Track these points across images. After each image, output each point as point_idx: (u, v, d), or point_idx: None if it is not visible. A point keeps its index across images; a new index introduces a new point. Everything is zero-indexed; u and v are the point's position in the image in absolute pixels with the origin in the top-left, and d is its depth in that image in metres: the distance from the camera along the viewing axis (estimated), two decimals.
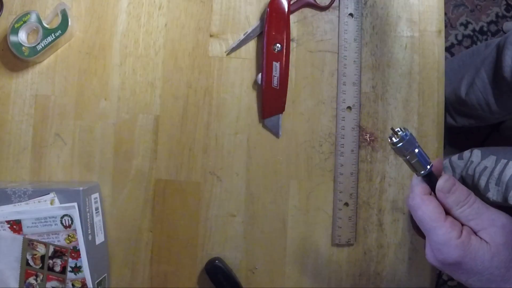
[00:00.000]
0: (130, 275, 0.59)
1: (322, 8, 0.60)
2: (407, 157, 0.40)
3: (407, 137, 0.39)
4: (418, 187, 0.40)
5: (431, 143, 0.60)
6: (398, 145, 0.39)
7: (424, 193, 0.40)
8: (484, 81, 0.82)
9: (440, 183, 0.40)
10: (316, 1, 0.60)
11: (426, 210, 0.39)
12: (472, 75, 0.85)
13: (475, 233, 0.39)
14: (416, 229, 0.43)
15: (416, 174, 0.40)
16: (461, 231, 0.39)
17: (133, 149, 0.59)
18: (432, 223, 0.39)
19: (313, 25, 0.60)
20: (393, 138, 0.39)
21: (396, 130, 0.39)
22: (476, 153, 0.83)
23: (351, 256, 0.59)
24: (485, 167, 0.78)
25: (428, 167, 0.40)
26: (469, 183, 0.82)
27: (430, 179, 0.40)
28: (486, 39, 1.42)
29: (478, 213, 0.39)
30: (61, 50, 0.59)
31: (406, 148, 0.39)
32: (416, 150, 0.39)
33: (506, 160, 0.75)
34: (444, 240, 0.39)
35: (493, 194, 0.74)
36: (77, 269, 0.52)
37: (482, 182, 0.77)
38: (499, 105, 0.83)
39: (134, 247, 0.59)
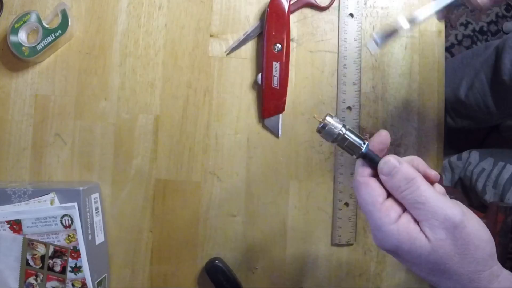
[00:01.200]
0: (130, 275, 0.59)
1: (322, 8, 0.60)
2: (338, 142, 0.39)
3: (330, 122, 0.38)
4: (359, 169, 0.39)
5: (431, 143, 0.60)
6: (322, 132, 0.38)
7: (363, 175, 0.39)
8: (483, 83, 0.82)
9: (380, 165, 0.38)
10: (316, 1, 0.60)
11: (362, 193, 0.38)
12: (471, 77, 0.85)
13: (418, 223, 0.37)
14: None
15: (354, 156, 0.39)
16: (399, 217, 0.37)
17: (133, 149, 0.59)
18: (368, 207, 0.37)
19: (313, 25, 0.60)
20: (318, 126, 0.39)
21: (323, 116, 0.39)
22: (474, 154, 0.83)
23: (351, 256, 0.59)
24: (483, 169, 0.78)
25: (362, 147, 0.38)
26: (467, 184, 0.82)
27: (372, 160, 0.39)
28: (486, 39, 1.43)
29: (420, 202, 0.36)
30: (61, 50, 0.59)
31: (331, 133, 0.38)
32: (343, 132, 0.38)
33: (503, 163, 0.75)
34: (378, 225, 0.37)
35: (490, 196, 0.74)
36: (77, 269, 0.52)
37: (480, 185, 0.77)
38: (498, 108, 0.83)
39: (134, 247, 0.59)
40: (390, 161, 0.38)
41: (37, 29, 0.56)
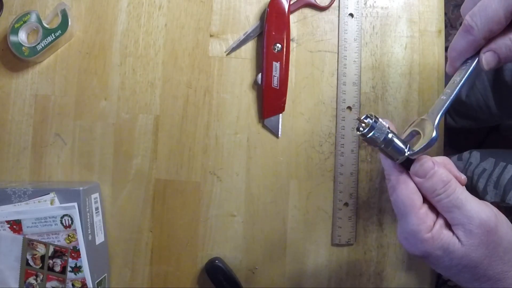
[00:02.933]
0: (130, 275, 0.59)
1: (322, 8, 0.60)
2: (382, 146, 0.36)
3: (377, 124, 0.36)
4: (394, 168, 0.38)
5: None
6: (368, 136, 0.36)
7: (400, 173, 0.37)
8: (484, 83, 0.82)
9: (415, 167, 0.37)
10: (316, 1, 0.60)
11: (401, 194, 0.37)
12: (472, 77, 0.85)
13: (451, 225, 0.36)
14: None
15: (394, 161, 0.38)
16: (434, 223, 0.36)
17: (133, 149, 0.59)
18: (406, 209, 0.37)
19: (313, 25, 0.60)
20: (361, 128, 0.36)
21: (362, 118, 0.36)
22: (475, 154, 0.83)
23: (351, 256, 0.59)
24: (484, 170, 0.78)
25: (406, 153, 0.37)
26: (468, 184, 0.82)
27: (408, 161, 0.38)
28: None
29: (456, 206, 0.36)
30: (61, 50, 0.59)
31: (378, 136, 0.36)
32: (390, 136, 0.36)
33: (504, 163, 0.75)
34: (413, 231, 0.36)
35: (491, 197, 0.74)
36: (77, 269, 0.52)
37: (481, 185, 0.77)
38: (499, 108, 0.83)
39: (134, 247, 0.59)
40: (426, 162, 0.37)
41: (37, 29, 0.56)
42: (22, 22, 0.56)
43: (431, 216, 0.37)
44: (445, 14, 0.61)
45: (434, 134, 0.36)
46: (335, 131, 0.59)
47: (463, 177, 0.40)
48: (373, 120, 0.36)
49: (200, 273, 0.59)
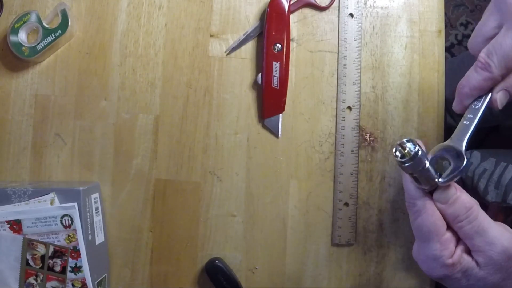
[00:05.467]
0: (130, 275, 0.59)
1: (322, 8, 0.60)
2: (416, 174, 0.36)
3: (419, 154, 0.34)
4: (417, 191, 0.37)
5: (431, 143, 0.60)
6: (407, 164, 0.34)
7: (426, 199, 0.37)
8: None
9: (438, 193, 0.37)
10: (316, 1, 0.60)
11: (426, 220, 0.37)
12: None
13: (470, 250, 0.37)
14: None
15: (423, 187, 0.37)
16: (455, 250, 0.37)
17: (133, 149, 0.59)
18: (429, 235, 0.37)
19: (313, 25, 0.60)
20: (398, 153, 0.35)
21: (404, 144, 0.34)
22: (476, 154, 0.83)
23: (351, 256, 0.59)
24: (485, 170, 0.78)
25: (438, 181, 0.36)
26: (469, 184, 0.82)
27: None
28: None
29: (478, 233, 0.36)
30: (61, 50, 0.59)
31: (416, 166, 0.35)
32: (427, 165, 0.35)
33: (505, 163, 0.74)
34: (435, 256, 0.37)
35: (492, 197, 0.74)
36: (77, 269, 0.52)
37: (481, 185, 0.77)
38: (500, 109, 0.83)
39: (134, 247, 0.59)
40: (449, 189, 0.37)
41: (37, 29, 0.56)
42: (22, 22, 0.56)
43: (453, 241, 0.37)
44: (445, 14, 0.61)
45: (465, 161, 0.36)
46: (335, 131, 0.59)
47: None
48: (416, 149, 0.34)
49: (200, 273, 0.59)
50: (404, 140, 0.35)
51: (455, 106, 0.41)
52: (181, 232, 0.59)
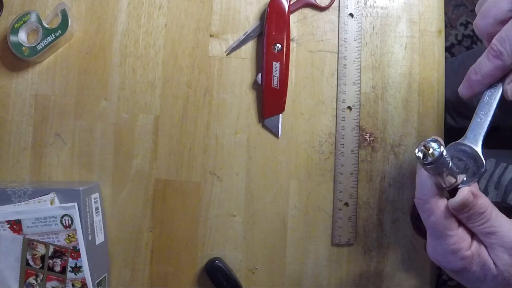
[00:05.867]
0: (130, 275, 0.59)
1: (322, 8, 0.60)
2: (438, 175, 0.35)
3: (443, 155, 0.34)
4: (431, 189, 0.37)
5: None
6: (432, 165, 0.34)
7: (438, 197, 0.37)
8: None
9: (456, 203, 0.36)
10: (316, 1, 0.60)
11: (439, 217, 0.37)
12: None
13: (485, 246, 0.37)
14: (417, 230, 0.42)
15: (441, 186, 0.37)
16: (471, 242, 0.37)
17: (133, 149, 0.59)
18: (444, 231, 0.37)
19: (313, 25, 0.60)
20: (420, 153, 0.34)
21: (427, 144, 0.34)
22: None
23: (351, 256, 0.59)
24: (485, 170, 0.78)
25: (459, 183, 0.36)
26: None
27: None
28: None
29: (490, 232, 0.37)
30: (61, 50, 0.59)
31: (440, 167, 0.34)
32: (450, 165, 0.35)
33: (505, 164, 0.74)
34: (453, 250, 0.37)
35: (492, 197, 0.74)
36: (77, 269, 0.52)
37: (481, 185, 0.77)
38: (500, 108, 0.83)
39: (134, 247, 0.59)
40: (467, 199, 0.37)
41: (37, 29, 0.56)
42: (22, 22, 0.56)
43: (468, 236, 0.38)
44: (445, 14, 0.61)
45: (484, 163, 0.36)
46: (335, 131, 0.59)
47: None
48: (441, 149, 0.34)
49: (200, 273, 0.59)
50: (428, 140, 0.34)
51: (463, 90, 0.40)
52: (181, 232, 0.59)
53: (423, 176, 0.38)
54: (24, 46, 0.56)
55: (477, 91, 0.40)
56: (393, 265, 0.59)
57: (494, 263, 0.37)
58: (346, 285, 0.59)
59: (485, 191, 0.76)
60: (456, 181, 0.37)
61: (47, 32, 0.56)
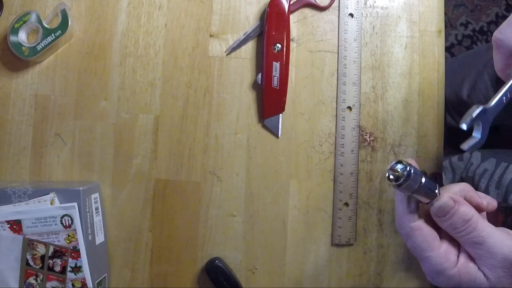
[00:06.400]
0: (130, 275, 0.59)
1: (322, 8, 0.60)
2: (413, 193, 0.35)
3: (412, 173, 0.34)
4: (406, 215, 0.37)
5: (431, 143, 0.60)
6: (403, 185, 0.34)
7: (414, 219, 0.37)
8: (486, 84, 0.82)
9: (435, 208, 0.36)
10: (316, 1, 0.60)
11: (416, 240, 0.37)
12: (474, 77, 0.85)
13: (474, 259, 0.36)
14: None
15: (425, 203, 0.37)
16: (458, 257, 0.36)
17: (133, 149, 0.59)
18: (425, 253, 0.36)
19: (313, 25, 0.60)
20: (391, 176, 0.34)
21: (394, 167, 0.34)
22: (476, 155, 0.83)
23: (351, 256, 0.59)
24: (485, 170, 0.78)
25: (437, 192, 0.36)
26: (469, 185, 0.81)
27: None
28: (486, 39, 1.43)
29: (477, 243, 0.35)
30: (61, 50, 0.59)
31: (412, 184, 0.34)
32: (423, 181, 0.35)
33: (506, 164, 0.74)
34: (438, 270, 0.36)
35: (493, 197, 0.74)
36: (77, 269, 0.52)
37: (482, 185, 0.77)
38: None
39: (134, 247, 0.59)
40: (447, 203, 0.36)
41: (37, 29, 0.56)
42: (22, 22, 0.56)
43: (453, 251, 0.37)
44: (445, 14, 0.61)
45: (479, 136, 0.37)
46: (335, 131, 0.59)
47: (485, 202, 0.39)
48: (407, 169, 0.34)
49: (200, 273, 0.59)
50: (394, 163, 0.35)
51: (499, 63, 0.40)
52: (181, 232, 0.59)
53: (397, 201, 0.38)
54: (24, 46, 0.56)
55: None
56: (393, 265, 0.59)
57: (485, 275, 0.36)
58: (346, 285, 0.59)
59: (486, 191, 0.76)
60: (436, 192, 0.36)
61: (47, 32, 0.56)
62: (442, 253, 0.36)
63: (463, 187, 0.39)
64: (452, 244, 0.37)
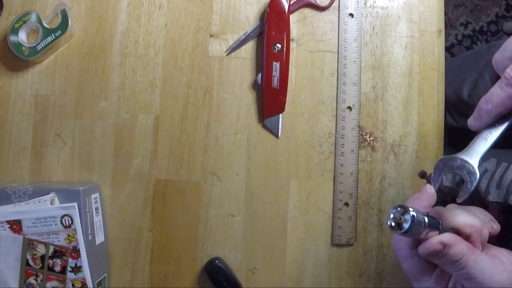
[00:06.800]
0: (130, 275, 0.59)
1: (322, 8, 0.60)
2: (420, 236, 0.35)
3: (415, 218, 0.33)
4: (403, 239, 0.38)
5: (431, 143, 0.60)
6: (408, 232, 0.34)
7: (411, 246, 0.38)
8: (487, 84, 0.82)
9: (422, 249, 0.36)
10: (316, 1, 0.60)
11: (412, 264, 0.38)
12: (474, 78, 0.85)
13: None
14: None
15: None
16: (448, 282, 0.38)
17: (133, 149, 0.59)
18: (416, 276, 0.38)
19: (313, 25, 0.60)
20: (392, 223, 0.34)
21: (395, 214, 0.34)
22: None
23: (351, 256, 0.59)
24: (486, 170, 0.78)
25: (440, 227, 0.36)
26: None
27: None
28: (486, 39, 1.43)
29: (467, 278, 0.36)
30: (61, 50, 0.59)
31: (417, 228, 0.34)
32: (427, 222, 0.34)
33: (507, 164, 0.74)
34: None
35: (494, 197, 0.74)
36: (77, 269, 0.52)
37: (483, 185, 0.77)
38: None
39: (134, 247, 0.59)
40: (434, 249, 0.36)
41: (37, 29, 0.56)
42: (22, 22, 0.56)
43: (445, 278, 0.38)
44: (445, 14, 0.61)
45: (478, 177, 0.37)
46: (335, 131, 0.59)
47: (495, 226, 0.40)
48: (411, 214, 0.33)
49: (200, 273, 0.59)
50: (393, 210, 0.34)
51: (472, 122, 0.40)
52: (181, 232, 0.59)
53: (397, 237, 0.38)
54: (24, 46, 0.56)
55: (486, 122, 0.39)
56: (393, 265, 0.59)
57: None
58: (346, 285, 0.59)
59: (487, 191, 0.76)
60: (440, 228, 0.36)
61: (47, 32, 0.56)
62: (434, 278, 0.38)
63: (475, 211, 0.39)
64: (442, 272, 0.38)
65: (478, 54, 0.89)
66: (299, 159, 0.59)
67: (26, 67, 0.59)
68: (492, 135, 0.39)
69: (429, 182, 0.39)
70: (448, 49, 1.40)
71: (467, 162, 0.38)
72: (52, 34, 0.56)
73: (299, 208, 0.59)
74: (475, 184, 0.37)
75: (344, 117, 0.59)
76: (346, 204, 0.59)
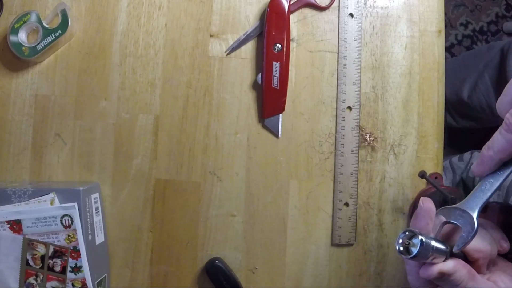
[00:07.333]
0: (130, 275, 0.59)
1: (322, 8, 0.60)
2: (427, 260, 0.36)
3: (424, 243, 0.34)
4: (417, 269, 0.39)
5: (431, 143, 0.60)
6: (417, 257, 0.35)
7: (417, 264, 0.39)
8: (487, 84, 0.82)
9: (421, 274, 0.37)
10: (316, 1, 0.60)
11: (415, 278, 0.39)
12: (474, 78, 0.85)
13: None
14: None
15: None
16: None
17: (133, 149, 0.59)
18: None
19: (313, 25, 0.60)
20: (401, 248, 0.35)
21: (404, 239, 0.35)
22: (477, 155, 0.83)
23: (351, 256, 0.59)
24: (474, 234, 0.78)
25: (448, 252, 0.37)
26: (470, 185, 0.82)
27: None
28: (486, 39, 1.43)
29: None
30: (61, 50, 0.59)
31: (425, 253, 0.35)
32: (435, 246, 0.36)
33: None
34: None
35: (494, 198, 0.74)
36: (77, 269, 0.52)
37: None
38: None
39: (134, 247, 0.59)
40: (432, 276, 0.37)
41: (37, 29, 0.56)
42: (22, 22, 0.56)
43: None
44: (445, 14, 0.61)
45: (475, 227, 0.37)
46: (335, 131, 0.59)
47: (505, 245, 0.41)
48: (419, 239, 0.35)
49: (200, 273, 0.59)
50: (402, 235, 0.35)
51: (475, 168, 0.40)
52: (181, 232, 0.59)
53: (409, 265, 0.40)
54: (24, 46, 0.56)
55: (489, 168, 0.39)
56: (393, 265, 0.59)
57: None
58: (346, 285, 0.59)
59: None
60: (447, 251, 0.37)
61: (47, 32, 0.56)
62: None
63: (479, 248, 0.40)
64: None
65: (478, 55, 0.89)
66: (299, 159, 0.59)
67: (26, 67, 0.59)
68: (493, 185, 0.38)
69: (429, 182, 0.39)
70: (448, 49, 1.40)
71: (466, 212, 0.39)
72: (52, 34, 0.56)
73: (299, 208, 0.59)
74: (472, 234, 0.37)
75: (344, 117, 0.59)
76: (346, 204, 0.59)
